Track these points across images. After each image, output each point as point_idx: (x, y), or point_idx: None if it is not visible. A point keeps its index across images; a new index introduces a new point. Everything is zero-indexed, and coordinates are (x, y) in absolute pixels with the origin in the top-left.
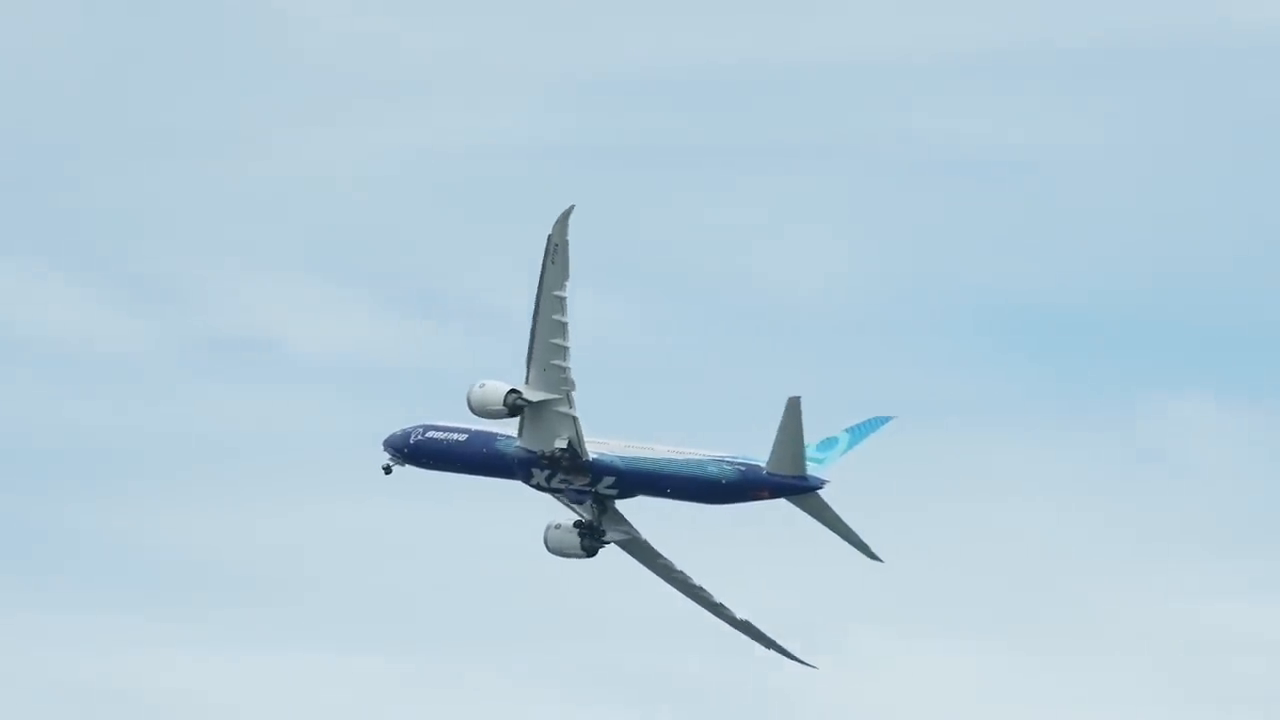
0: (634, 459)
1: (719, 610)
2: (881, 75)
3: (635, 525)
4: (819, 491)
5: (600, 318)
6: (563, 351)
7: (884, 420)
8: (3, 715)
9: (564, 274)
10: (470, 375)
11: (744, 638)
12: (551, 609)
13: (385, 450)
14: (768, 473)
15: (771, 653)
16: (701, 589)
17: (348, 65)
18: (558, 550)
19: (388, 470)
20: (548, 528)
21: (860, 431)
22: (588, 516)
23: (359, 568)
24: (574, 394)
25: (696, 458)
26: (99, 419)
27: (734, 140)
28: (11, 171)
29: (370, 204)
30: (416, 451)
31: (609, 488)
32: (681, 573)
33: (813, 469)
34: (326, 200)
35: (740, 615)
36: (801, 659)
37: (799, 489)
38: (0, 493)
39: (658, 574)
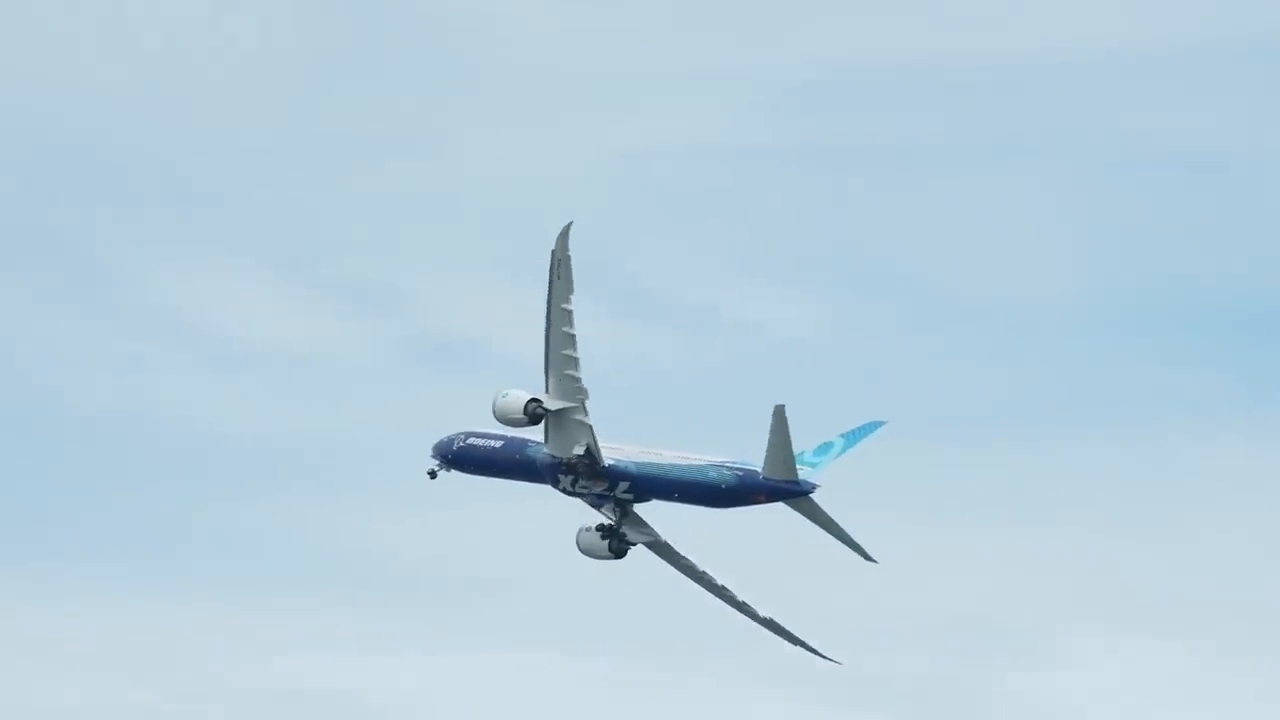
0: (645, 464)
1: (744, 608)
2: (1087, 72)
3: (656, 528)
4: (811, 495)
5: (799, 318)
6: (573, 362)
7: (877, 425)
8: (199, 714)
9: (569, 287)
10: (675, 374)
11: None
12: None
13: (433, 456)
14: (763, 478)
15: (798, 649)
16: (725, 588)
17: (554, 66)
18: (588, 551)
19: (433, 475)
20: (579, 530)
21: (854, 436)
22: (609, 520)
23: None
24: (588, 403)
25: (700, 463)
26: (305, 421)
27: (938, 139)
28: (221, 173)
29: (575, 205)
30: (459, 457)
31: (625, 492)
32: (704, 573)
33: (808, 473)
34: (531, 201)
35: (763, 613)
36: (825, 654)
37: (792, 493)
38: (210, 493)
39: (684, 573)
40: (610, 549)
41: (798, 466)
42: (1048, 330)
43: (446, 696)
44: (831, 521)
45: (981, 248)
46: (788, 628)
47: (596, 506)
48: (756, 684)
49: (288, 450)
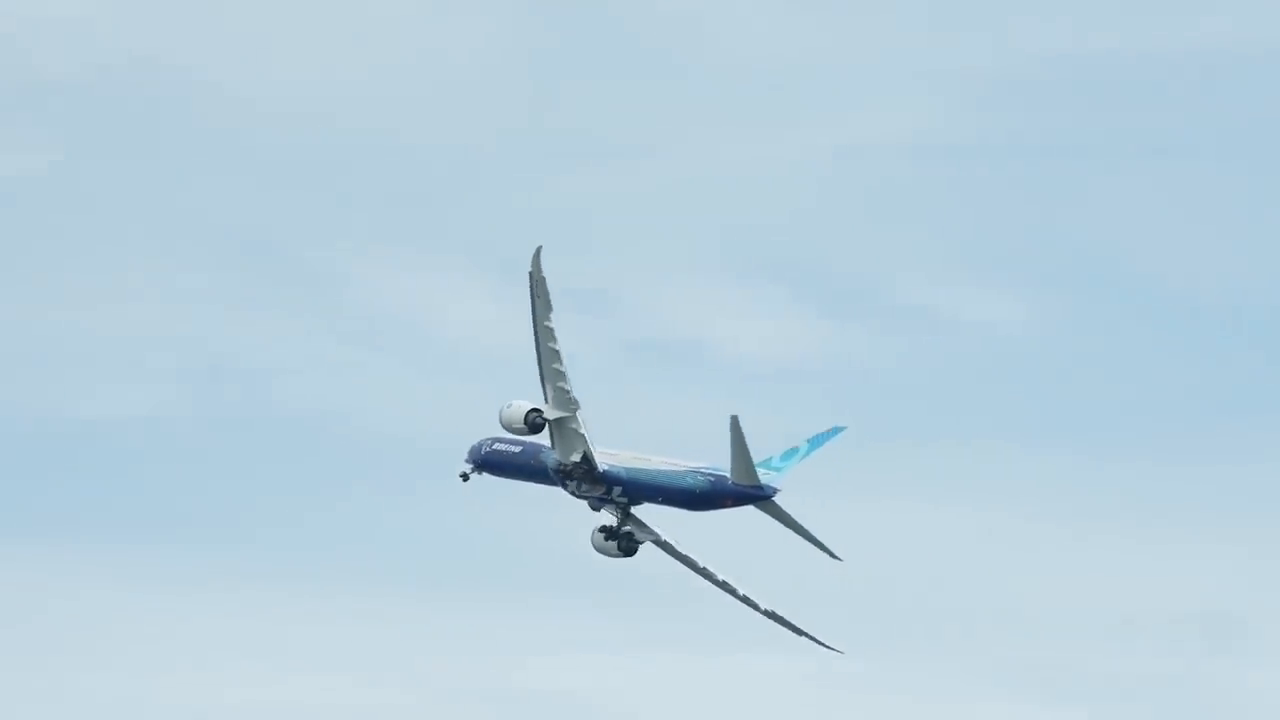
0: (634, 469)
1: (747, 601)
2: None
3: (658, 530)
4: (774, 499)
5: (1011, 316)
6: (562, 375)
7: (838, 430)
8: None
9: (548, 306)
10: (886, 374)
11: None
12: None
13: (466, 460)
14: (731, 484)
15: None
16: (727, 583)
17: (763, 65)
18: (599, 550)
19: (465, 478)
20: (592, 531)
21: (818, 440)
22: (612, 521)
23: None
24: (581, 413)
25: (680, 469)
26: None
27: (1153, 130)
28: (433, 175)
29: (784, 203)
30: (486, 461)
31: (620, 495)
32: (705, 569)
33: (772, 477)
34: (742, 200)
35: (764, 606)
36: (828, 644)
37: (756, 497)
38: (419, 494)
39: (690, 569)
40: (620, 548)
41: (766, 471)
42: (1267, 326)
43: (687, 698)
44: (795, 523)
45: (1194, 242)
46: (790, 619)
47: (597, 509)
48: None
49: None
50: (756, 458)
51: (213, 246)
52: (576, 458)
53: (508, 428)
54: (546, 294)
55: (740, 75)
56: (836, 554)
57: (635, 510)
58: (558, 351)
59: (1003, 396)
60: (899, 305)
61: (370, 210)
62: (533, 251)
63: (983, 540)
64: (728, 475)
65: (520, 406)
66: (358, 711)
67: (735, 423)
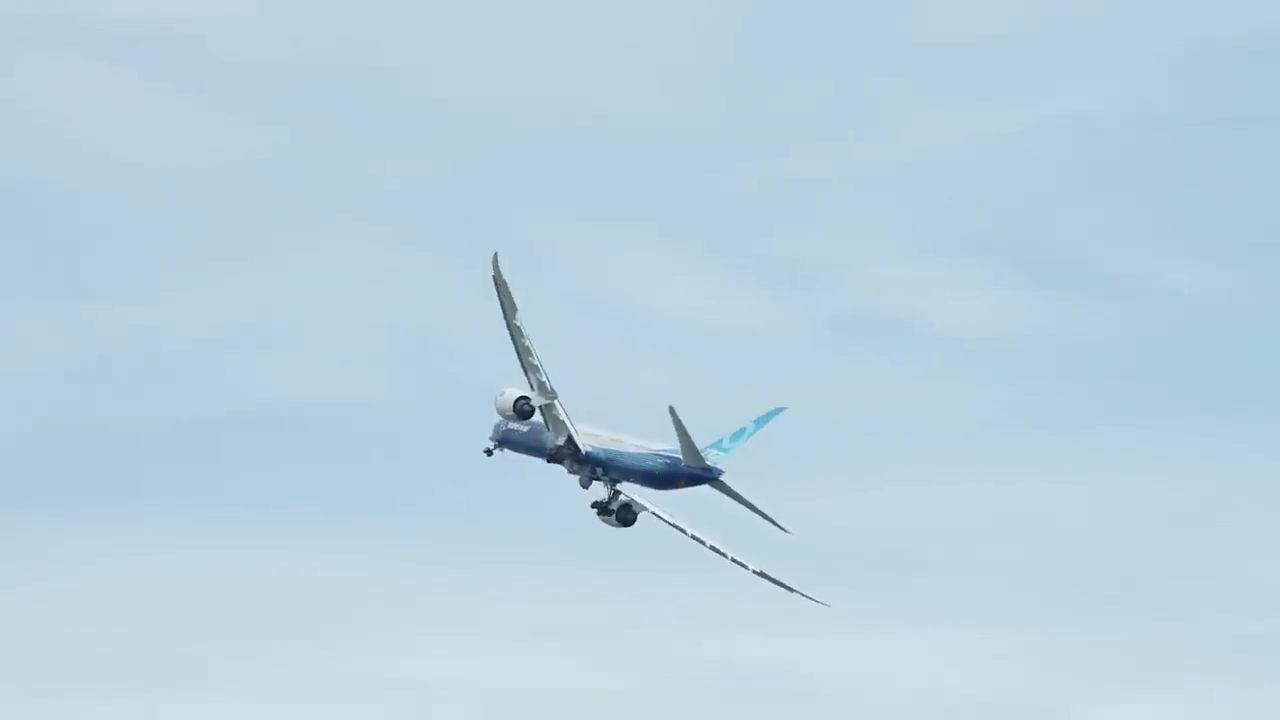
0: (610, 450)
1: (737, 562)
2: None
3: (650, 505)
4: (720, 478)
5: (1229, 285)
6: (537, 368)
7: (779, 411)
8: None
9: (513, 306)
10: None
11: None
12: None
13: (490, 437)
14: (684, 466)
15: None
16: (716, 547)
17: (971, 37)
18: (605, 523)
19: (489, 453)
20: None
21: (761, 421)
22: (603, 497)
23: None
24: (559, 401)
25: (645, 452)
26: (730, 401)
27: None
28: (649, 155)
29: (995, 178)
30: (504, 439)
31: (604, 474)
32: (695, 535)
33: (719, 458)
34: (953, 176)
35: (754, 567)
36: (816, 599)
37: (704, 478)
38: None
39: (682, 534)
40: (619, 519)
41: (717, 453)
42: None
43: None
44: (742, 498)
45: None
46: (778, 577)
47: (586, 486)
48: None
49: (700, 426)
50: (710, 440)
51: (421, 227)
52: (561, 440)
53: (501, 413)
54: (510, 295)
55: (952, 48)
56: (784, 526)
57: (621, 486)
58: (529, 347)
59: (1211, 363)
60: (1113, 275)
61: (582, 190)
62: (491, 257)
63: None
64: (698, 453)
65: (510, 394)
66: (575, 686)
67: (673, 412)
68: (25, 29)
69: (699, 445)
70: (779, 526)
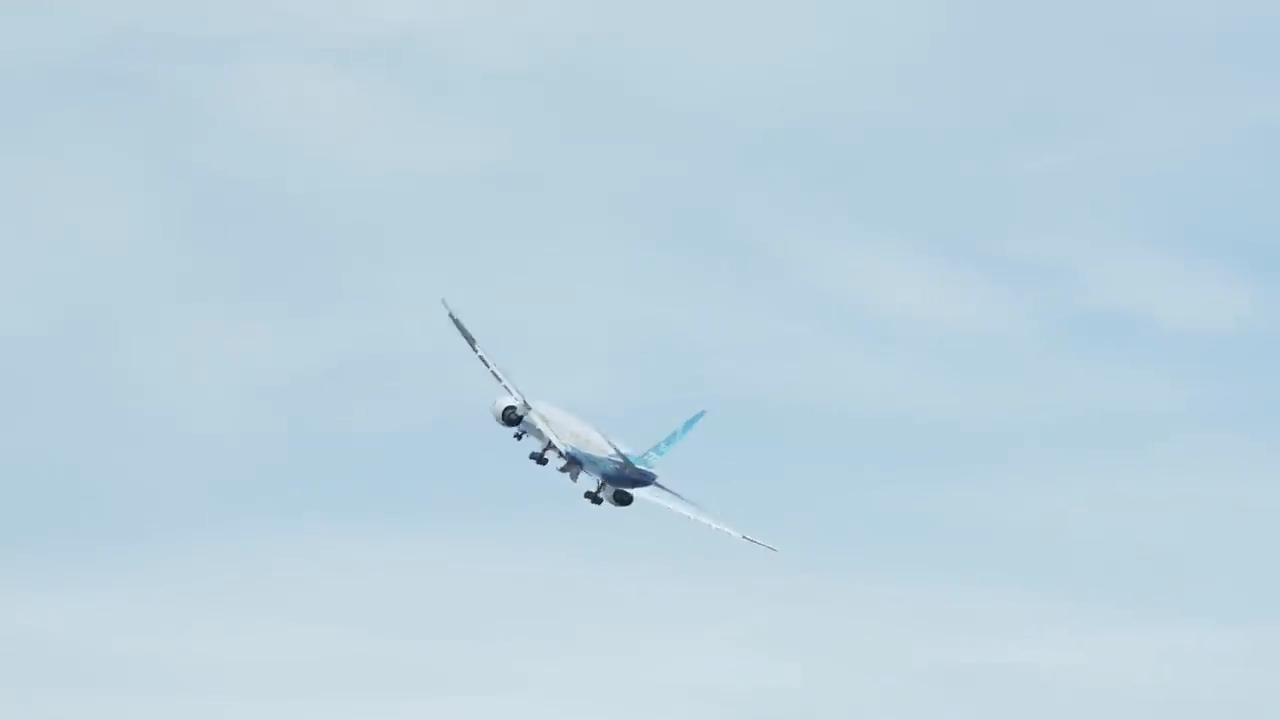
0: (581, 452)
1: (720, 534)
2: None
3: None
4: (656, 481)
5: None
6: (508, 389)
7: (701, 414)
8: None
9: (472, 339)
10: None
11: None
12: None
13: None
14: (626, 470)
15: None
16: (697, 519)
17: (1199, 36)
18: (597, 508)
19: (518, 438)
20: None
21: (689, 425)
22: (593, 487)
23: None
24: (533, 412)
25: (605, 454)
26: (966, 400)
27: None
28: (873, 155)
29: (1223, 177)
30: (527, 429)
31: (582, 470)
32: (680, 513)
33: (653, 460)
34: (1189, 172)
35: (739, 534)
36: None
37: (643, 481)
38: (867, 472)
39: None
40: (616, 500)
41: (654, 455)
42: None
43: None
44: (679, 497)
45: None
46: (759, 540)
47: (575, 479)
48: None
49: (943, 428)
50: (649, 446)
51: (657, 227)
52: (543, 443)
53: (496, 420)
54: (467, 331)
55: (1185, 45)
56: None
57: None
58: (496, 373)
59: None
60: None
61: (816, 191)
62: (441, 301)
63: None
64: (627, 461)
65: (501, 404)
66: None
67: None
68: (265, 40)
69: (643, 450)
70: (725, 530)
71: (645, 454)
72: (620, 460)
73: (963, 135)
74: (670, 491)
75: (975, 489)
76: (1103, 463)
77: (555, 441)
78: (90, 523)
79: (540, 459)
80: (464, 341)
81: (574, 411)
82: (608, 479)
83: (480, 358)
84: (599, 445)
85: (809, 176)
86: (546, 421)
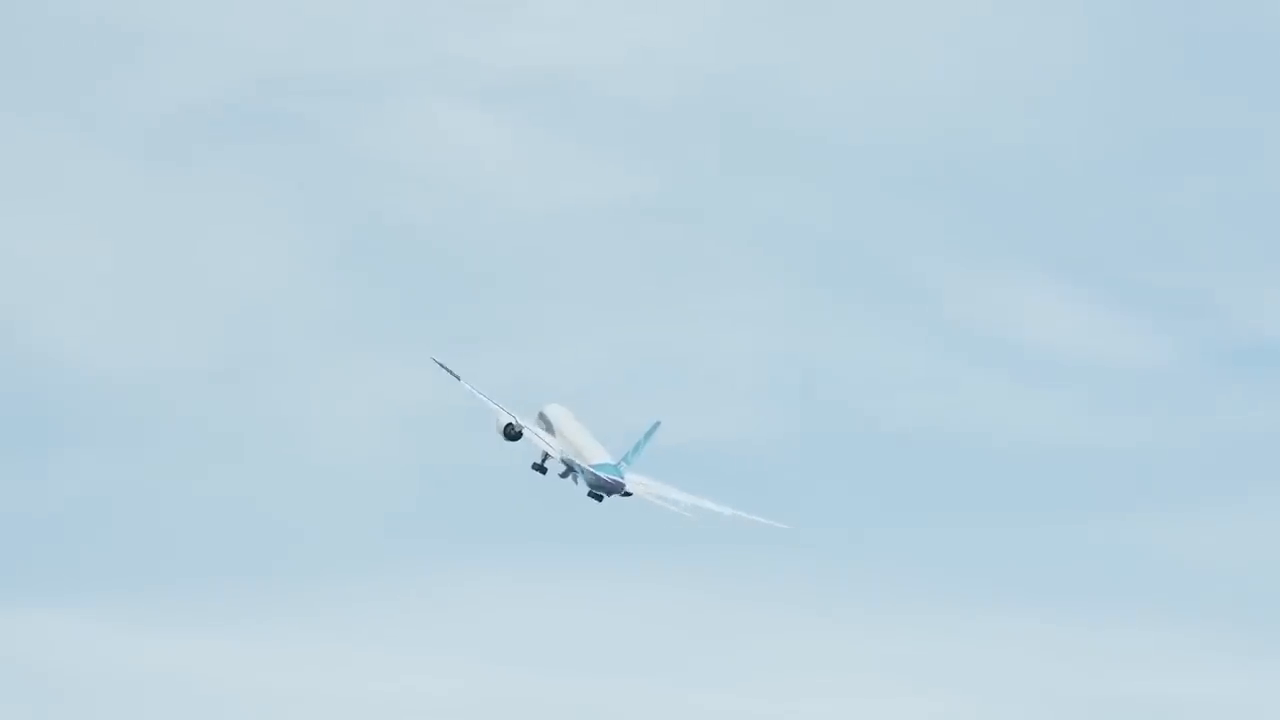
0: (573, 462)
1: (711, 513)
2: None
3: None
4: (627, 490)
5: None
6: (497, 409)
7: (656, 424)
8: None
9: (456, 376)
10: None
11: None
12: None
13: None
14: (601, 478)
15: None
16: (681, 503)
17: None
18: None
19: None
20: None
21: (648, 435)
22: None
23: None
24: (527, 428)
25: (591, 465)
26: (1109, 432)
27: None
28: (1025, 187)
29: None
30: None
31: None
32: (674, 499)
33: (623, 469)
34: None
35: (728, 512)
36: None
37: (614, 489)
38: (1023, 508)
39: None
40: (623, 494)
41: (627, 466)
42: None
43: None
44: (655, 502)
45: None
46: (748, 515)
47: (575, 481)
48: None
49: (1090, 460)
50: (619, 457)
51: (805, 260)
52: (540, 454)
53: (499, 436)
54: (450, 370)
55: None
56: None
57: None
58: (486, 401)
59: None
60: None
61: (964, 222)
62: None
63: None
64: (602, 473)
65: (503, 420)
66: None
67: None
68: (418, 79)
69: (614, 460)
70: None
71: (618, 463)
72: (597, 468)
73: (1109, 166)
74: (650, 488)
75: (1124, 522)
76: (1254, 493)
77: (551, 451)
78: (252, 560)
79: (540, 468)
80: (460, 382)
81: (580, 420)
82: (588, 484)
83: (469, 391)
84: (590, 460)
85: (958, 209)
86: (541, 435)
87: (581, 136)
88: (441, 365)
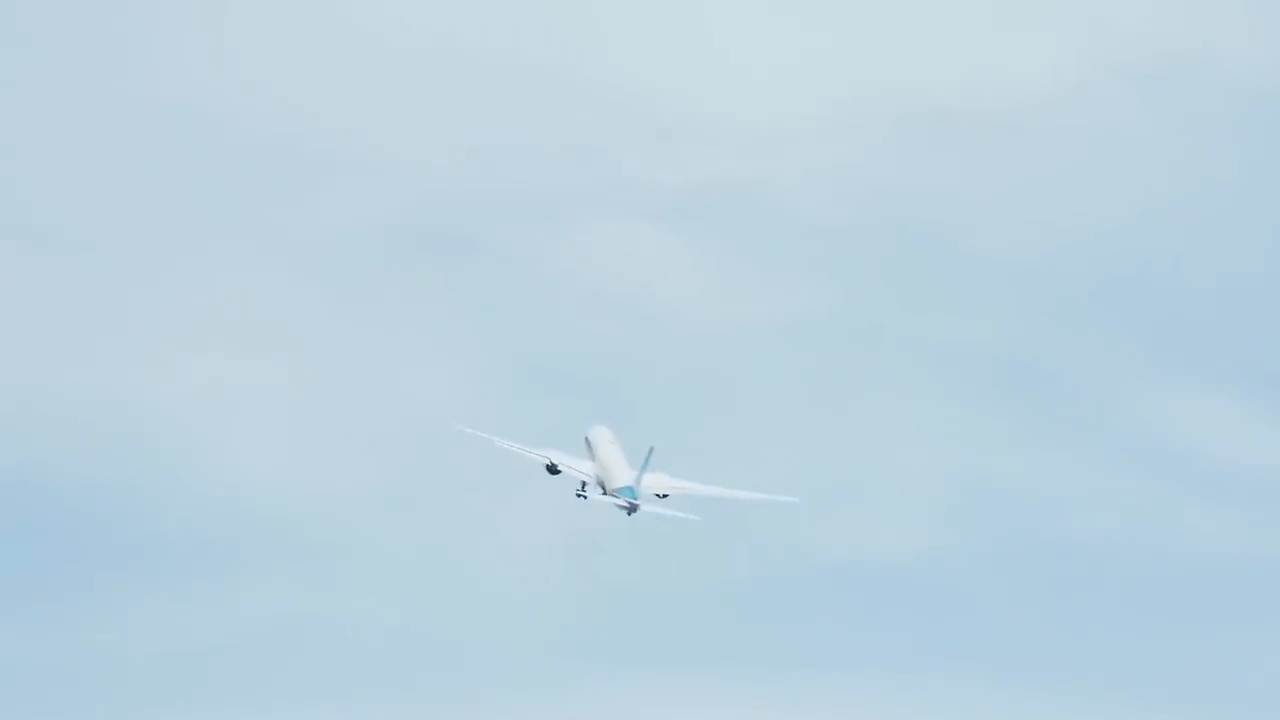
0: (603, 481)
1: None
2: None
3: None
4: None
5: None
6: (534, 458)
7: (651, 451)
8: None
9: (489, 439)
10: None
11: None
12: None
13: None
14: (622, 500)
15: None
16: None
17: None
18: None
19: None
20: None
21: (645, 463)
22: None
23: None
24: (562, 465)
25: (615, 487)
26: None
27: None
28: (1205, 298)
29: None
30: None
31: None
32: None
33: (632, 493)
34: None
35: (743, 495)
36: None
37: (634, 509)
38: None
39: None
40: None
41: (633, 487)
42: None
43: None
44: (665, 515)
45: None
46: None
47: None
48: None
49: (1271, 574)
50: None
51: (982, 377)
52: (580, 483)
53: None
54: (484, 436)
55: None
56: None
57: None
58: (524, 453)
59: None
60: None
61: (1138, 337)
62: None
63: None
64: (617, 497)
65: (544, 458)
66: None
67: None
68: (592, 197)
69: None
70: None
71: (629, 487)
72: (617, 490)
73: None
74: (653, 513)
75: None
76: None
77: (586, 477)
78: (431, 681)
79: (582, 495)
80: (499, 449)
81: (615, 441)
82: (625, 508)
83: (508, 447)
84: (613, 475)
85: (1130, 324)
86: (575, 465)
87: (756, 254)
88: (475, 435)
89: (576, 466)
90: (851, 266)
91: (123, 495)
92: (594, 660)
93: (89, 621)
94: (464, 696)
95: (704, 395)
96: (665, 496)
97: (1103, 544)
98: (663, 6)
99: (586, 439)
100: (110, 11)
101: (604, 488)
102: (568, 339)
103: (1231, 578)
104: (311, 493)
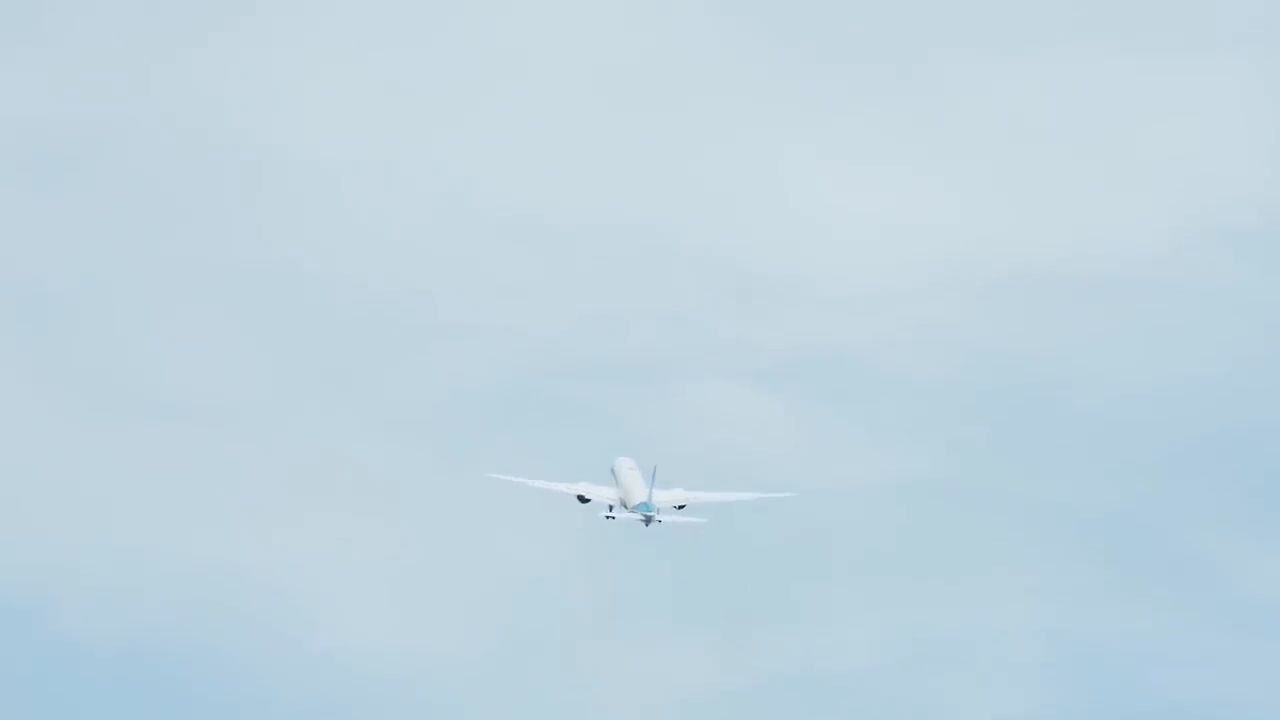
0: (625, 503)
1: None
2: None
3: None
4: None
5: None
6: (565, 494)
7: (654, 468)
8: None
9: (522, 483)
10: None
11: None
12: None
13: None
14: (641, 513)
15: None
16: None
17: None
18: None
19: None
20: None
21: (651, 478)
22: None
23: None
24: (591, 496)
25: (633, 504)
26: None
27: None
28: None
29: None
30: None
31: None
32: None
33: (647, 507)
34: None
35: (747, 497)
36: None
37: (650, 520)
38: None
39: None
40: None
41: (648, 503)
42: None
43: None
44: (676, 524)
45: None
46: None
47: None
48: None
49: None
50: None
51: (1088, 537)
52: (607, 506)
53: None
54: (517, 481)
55: None
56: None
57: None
58: (555, 490)
59: None
60: None
61: (1248, 494)
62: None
63: None
64: (636, 512)
65: (575, 491)
66: None
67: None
68: (690, 360)
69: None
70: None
71: (644, 503)
72: (637, 505)
73: None
74: (669, 521)
75: None
76: None
77: (611, 501)
78: None
79: (610, 517)
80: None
81: (635, 468)
82: (644, 520)
83: (540, 487)
84: (632, 494)
85: (1240, 481)
86: (599, 492)
87: (858, 415)
88: (504, 478)
89: (603, 492)
90: (955, 426)
91: (233, 660)
92: None
93: None
94: None
95: (806, 557)
96: (683, 508)
97: (1210, 706)
98: (765, 167)
99: (611, 468)
100: (220, 176)
101: (625, 506)
102: None
103: None
104: (422, 658)
